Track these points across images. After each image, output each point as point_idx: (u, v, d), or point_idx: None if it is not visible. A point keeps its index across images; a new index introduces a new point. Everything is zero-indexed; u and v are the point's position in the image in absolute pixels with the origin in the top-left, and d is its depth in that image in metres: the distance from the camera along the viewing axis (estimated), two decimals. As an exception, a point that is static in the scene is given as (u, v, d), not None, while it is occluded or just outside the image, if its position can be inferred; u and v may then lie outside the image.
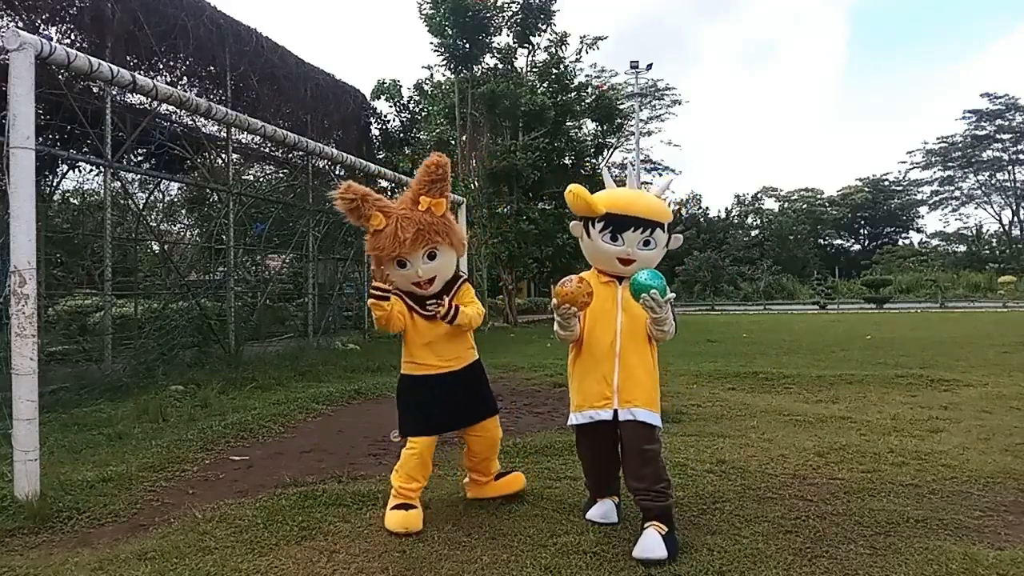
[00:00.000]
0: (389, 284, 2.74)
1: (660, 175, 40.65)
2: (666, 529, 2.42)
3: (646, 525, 2.44)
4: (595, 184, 2.92)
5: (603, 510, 2.73)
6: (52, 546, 2.59)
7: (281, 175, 13.50)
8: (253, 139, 11.05)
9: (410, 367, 2.83)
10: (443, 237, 2.72)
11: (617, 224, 2.59)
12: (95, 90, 8.46)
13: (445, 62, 16.69)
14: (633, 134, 29.56)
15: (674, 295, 2.55)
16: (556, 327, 2.65)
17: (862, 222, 54.52)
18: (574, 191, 2.60)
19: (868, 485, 3.09)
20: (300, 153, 10.49)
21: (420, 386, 2.80)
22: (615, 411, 2.55)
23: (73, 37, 8.78)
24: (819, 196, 53.26)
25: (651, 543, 2.36)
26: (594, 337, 2.62)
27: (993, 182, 47.87)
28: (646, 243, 2.61)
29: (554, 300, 2.58)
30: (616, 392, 2.56)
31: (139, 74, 5.10)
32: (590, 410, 2.60)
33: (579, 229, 2.72)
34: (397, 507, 2.68)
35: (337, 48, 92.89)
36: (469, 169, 16.93)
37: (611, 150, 26.03)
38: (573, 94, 19.59)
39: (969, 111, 45.85)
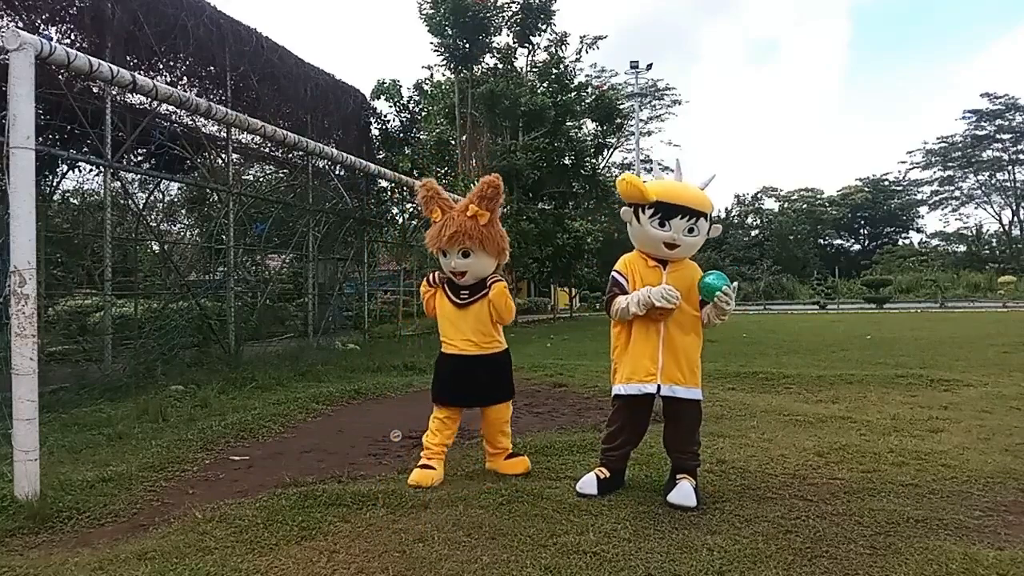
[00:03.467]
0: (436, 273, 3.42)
1: (661, 175, 40.52)
2: (694, 482, 2.87)
3: (679, 477, 2.88)
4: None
5: (586, 479, 3.01)
6: (52, 546, 2.59)
7: (281, 175, 13.49)
8: (253, 139, 11.03)
9: (443, 345, 3.40)
10: (477, 242, 3.21)
11: (666, 211, 2.86)
12: (95, 90, 8.45)
13: (445, 62, 16.70)
14: (633, 134, 29.55)
15: (737, 286, 2.90)
16: (631, 309, 2.87)
17: (862, 222, 54.50)
18: (627, 179, 2.89)
19: (868, 485, 3.09)
20: (300, 153, 10.48)
21: (446, 362, 3.38)
22: (658, 386, 2.91)
23: (73, 37, 8.76)
24: (819, 196, 53.22)
25: (686, 491, 2.80)
26: (643, 318, 2.90)
27: (993, 182, 47.86)
28: (690, 230, 2.88)
29: (671, 297, 2.80)
30: (660, 370, 2.91)
31: (139, 74, 5.10)
32: (638, 383, 2.93)
33: (629, 215, 2.99)
34: (420, 466, 3.26)
35: (337, 48, 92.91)
36: (469, 169, 16.92)
37: (611, 150, 26.03)
38: (573, 94, 19.57)
39: (969, 111, 45.88)
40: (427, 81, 19.31)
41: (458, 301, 3.33)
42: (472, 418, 3.69)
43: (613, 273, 3.08)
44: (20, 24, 8.21)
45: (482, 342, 3.32)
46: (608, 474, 3.04)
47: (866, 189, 52.78)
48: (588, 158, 20.12)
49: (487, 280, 3.33)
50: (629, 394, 2.96)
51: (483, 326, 3.33)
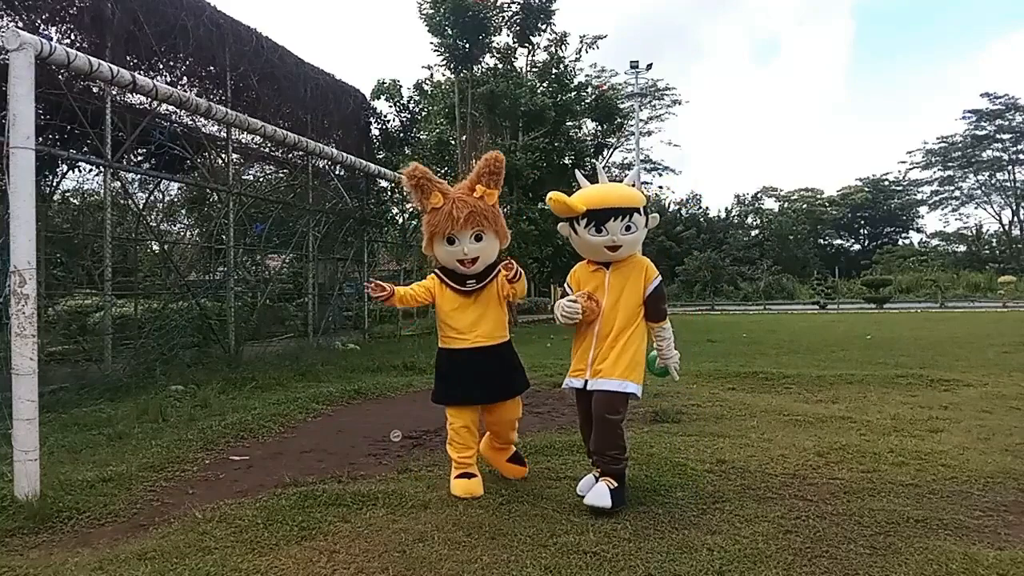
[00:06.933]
0: (435, 259, 3.16)
1: (661, 175, 41.15)
2: (616, 484, 2.81)
3: (599, 478, 2.87)
4: (596, 183, 3.08)
5: (585, 482, 3.00)
6: (52, 546, 2.59)
7: (281, 175, 13.49)
8: (253, 139, 11.03)
9: (444, 341, 3.19)
10: (490, 223, 3.07)
11: (599, 217, 2.91)
12: (95, 90, 8.44)
13: (445, 62, 16.68)
14: (633, 134, 29.56)
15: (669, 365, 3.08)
16: (563, 319, 2.94)
17: (862, 222, 54.47)
18: (553, 198, 2.92)
19: (868, 485, 3.09)
20: (300, 153, 10.48)
21: (455, 357, 3.14)
22: (585, 381, 2.94)
23: (73, 37, 8.75)
24: (819, 196, 53.20)
25: (601, 492, 2.75)
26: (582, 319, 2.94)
27: (993, 182, 47.82)
28: (627, 228, 2.92)
29: (570, 312, 2.90)
30: (589, 365, 2.94)
31: (139, 74, 5.10)
32: (569, 378, 3.04)
33: (567, 229, 3.06)
34: (460, 476, 3.07)
35: (337, 48, 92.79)
36: (469, 169, 16.92)
37: (611, 150, 26.04)
38: (573, 94, 19.60)
39: (969, 111, 45.83)
40: (427, 81, 19.34)
41: (465, 289, 3.10)
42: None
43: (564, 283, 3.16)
44: (20, 24, 8.20)
45: (495, 332, 3.14)
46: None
47: (866, 189, 52.75)
48: (588, 158, 20.13)
49: (494, 267, 3.14)
50: (565, 388, 3.11)
51: (496, 313, 3.15)
